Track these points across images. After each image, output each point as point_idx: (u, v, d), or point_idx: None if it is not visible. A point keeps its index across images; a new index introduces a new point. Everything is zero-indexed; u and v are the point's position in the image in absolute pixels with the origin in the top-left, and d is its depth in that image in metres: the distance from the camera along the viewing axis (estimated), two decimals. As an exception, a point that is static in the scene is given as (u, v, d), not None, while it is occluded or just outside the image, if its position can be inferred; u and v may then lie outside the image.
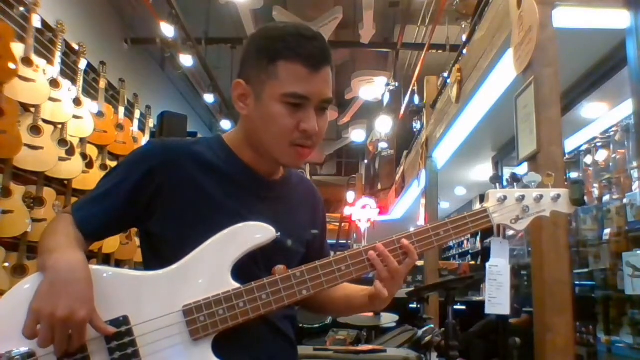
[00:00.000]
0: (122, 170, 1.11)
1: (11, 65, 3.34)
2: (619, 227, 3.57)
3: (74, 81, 4.21)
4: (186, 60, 6.67)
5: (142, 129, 5.33)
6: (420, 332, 2.82)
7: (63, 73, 4.04)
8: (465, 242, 9.62)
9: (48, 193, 3.75)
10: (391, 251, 1.08)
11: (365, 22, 7.67)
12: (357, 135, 12.23)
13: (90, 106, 4.32)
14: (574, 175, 4.31)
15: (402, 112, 9.39)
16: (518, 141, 2.75)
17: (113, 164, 4.64)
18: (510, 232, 4.43)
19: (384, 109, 9.21)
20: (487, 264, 1.25)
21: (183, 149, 1.12)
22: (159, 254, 1.09)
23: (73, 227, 1.06)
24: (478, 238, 8.58)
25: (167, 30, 5.88)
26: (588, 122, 4.45)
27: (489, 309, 1.25)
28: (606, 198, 3.80)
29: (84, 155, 4.14)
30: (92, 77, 4.76)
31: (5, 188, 3.38)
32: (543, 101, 2.49)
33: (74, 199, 4.01)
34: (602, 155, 3.98)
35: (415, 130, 7.73)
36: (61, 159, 3.82)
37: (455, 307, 3.14)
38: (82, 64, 4.35)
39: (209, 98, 7.93)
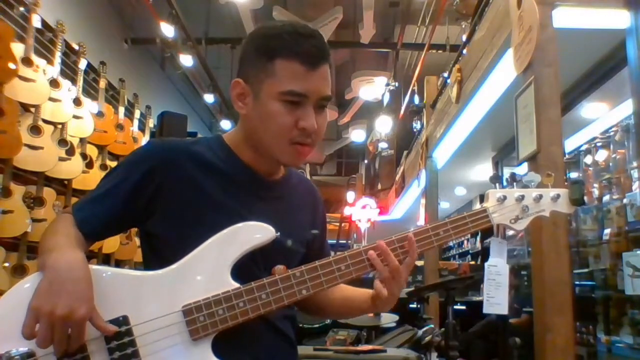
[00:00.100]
0: (122, 170, 1.11)
1: (11, 65, 3.34)
2: (619, 227, 3.57)
3: (74, 81, 4.20)
4: (186, 60, 6.67)
5: (142, 129, 5.33)
6: (420, 332, 2.82)
7: (63, 73, 4.04)
8: (465, 242, 9.62)
9: (48, 193, 3.74)
10: (391, 250, 1.08)
11: (365, 22, 7.67)
12: (357, 135, 12.22)
13: (90, 106, 4.32)
14: (574, 175, 4.31)
15: (402, 112, 9.39)
16: (518, 141, 2.75)
17: (113, 164, 4.63)
18: (510, 232, 4.43)
19: (384, 109, 9.21)
20: (486, 264, 1.25)
21: (183, 149, 1.12)
22: (159, 253, 1.09)
23: (73, 227, 1.06)
24: (478, 238, 8.58)
25: (167, 30, 5.88)
26: (588, 122, 4.45)
27: (486, 309, 1.25)
28: (606, 198, 3.80)
29: (84, 155, 4.14)
30: (92, 77, 4.76)
31: (5, 188, 3.38)
32: (543, 101, 2.49)
33: (74, 199, 4.01)
34: (602, 155, 3.98)
35: (415, 130, 7.73)
36: (61, 159, 3.82)
37: (455, 307, 3.14)
38: (82, 64, 4.35)
39: (209, 98, 7.93)
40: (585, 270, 3.99)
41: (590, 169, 4.12)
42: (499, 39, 3.49)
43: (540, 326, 2.39)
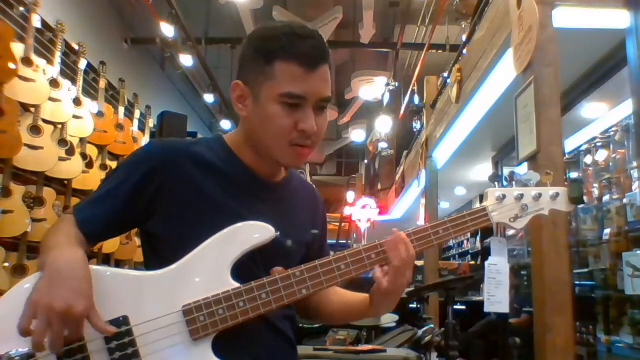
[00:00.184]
0: (122, 171, 1.11)
1: (11, 65, 3.34)
2: (619, 227, 3.57)
3: (74, 81, 4.20)
4: (186, 60, 6.67)
5: (142, 129, 5.33)
6: (420, 332, 2.82)
7: (63, 73, 4.04)
8: (465, 242, 9.63)
9: (48, 193, 3.74)
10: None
11: (365, 22, 7.67)
12: (357, 135, 12.22)
13: (90, 106, 4.32)
14: (574, 175, 4.32)
15: (402, 112, 9.39)
16: (518, 141, 2.75)
17: (113, 164, 4.64)
18: (510, 232, 4.43)
19: (384, 109, 9.21)
20: (486, 263, 1.25)
21: (183, 149, 1.12)
22: (160, 254, 1.09)
23: (75, 228, 1.07)
24: (478, 238, 8.58)
25: (167, 30, 5.88)
26: (588, 122, 4.45)
27: (488, 308, 1.25)
28: (606, 198, 3.80)
29: (84, 155, 4.14)
30: (92, 77, 4.76)
31: (5, 188, 3.38)
32: (543, 101, 2.49)
33: (74, 199, 4.01)
34: (602, 155, 3.98)
35: (415, 130, 7.73)
36: (61, 159, 3.82)
37: (455, 307, 3.14)
38: (82, 64, 4.35)
39: (209, 98, 7.93)
40: (585, 270, 3.99)
41: (590, 169, 4.13)
42: (499, 39, 3.49)
43: (540, 326, 2.39)
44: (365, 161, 15.40)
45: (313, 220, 1.25)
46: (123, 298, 1.00)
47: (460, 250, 10.15)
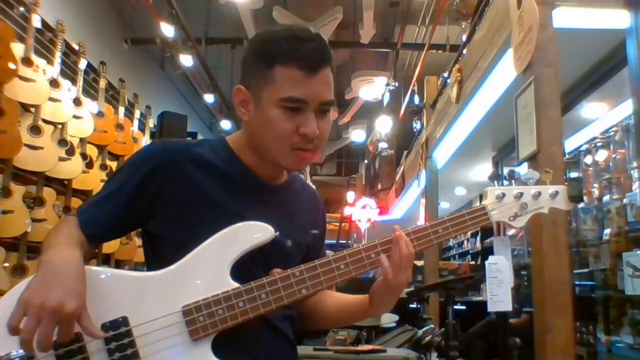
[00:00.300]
0: (124, 173, 1.11)
1: (11, 65, 3.34)
2: (619, 227, 3.58)
3: (74, 81, 4.20)
4: (186, 60, 6.67)
5: (142, 129, 5.32)
6: (420, 332, 2.81)
7: (63, 73, 4.04)
8: (465, 242, 9.63)
9: (48, 193, 3.74)
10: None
11: (365, 22, 7.66)
12: (357, 135, 12.23)
13: (90, 106, 4.32)
14: (574, 175, 4.32)
15: (402, 112, 9.39)
16: (518, 141, 2.75)
17: (113, 164, 4.64)
18: (510, 232, 4.43)
19: (384, 109, 9.21)
20: (486, 262, 1.25)
21: (184, 150, 1.12)
22: (160, 254, 1.09)
23: (76, 229, 1.07)
24: (478, 238, 8.58)
25: (167, 30, 5.88)
26: (588, 122, 4.45)
27: (491, 307, 1.24)
28: (606, 198, 3.80)
29: (84, 155, 4.14)
30: (92, 77, 4.75)
31: (5, 188, 3.38)
32: (543, 101, 2.49)
33: (74, 199, 4.01)
34: (602, 155, 3.99)
35: (415, 130, 7.73)
36: (61, 159, 3.82)
37: (455, 307, 3.14)
38: (82, 64, 4.35)
39: (209, 98, 7.93)
40: (585, 270, 3.99)
41: (590, 169, 4.13)
42: (499, 39, 3.49)
43: (540, 326, 2.39)
44: (365, 161, 15.41)
45: (313, 222, 1.26)
46: (122, 299, 1.00)
47: (460, 250, 10.15)
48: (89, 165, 4.22)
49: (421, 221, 6.44)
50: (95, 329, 0.94)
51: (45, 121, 3.69)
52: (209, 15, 7.53)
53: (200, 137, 5.23)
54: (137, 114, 5.27)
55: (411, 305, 4.15)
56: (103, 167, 4.48)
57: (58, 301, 0.89)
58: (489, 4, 3.97)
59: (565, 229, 2.43)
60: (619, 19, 2.70)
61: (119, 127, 4.76)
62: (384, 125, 9.31)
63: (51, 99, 3.73)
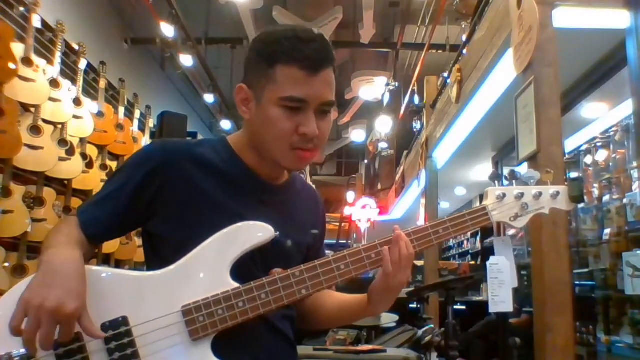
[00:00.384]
0: (124, 173, 1.11)
1: (11, 65, 3.34)
2: (619, 227, 3.58)
3: (74, 81, 4.20)
4: (186, 60, 6.67)
5: (142, 129, 5.32)
6: (420, 332, 2.81)
7: (63, 73, 4.03)
8: (465, 242, 9.62)
9: (48, 193, 3.74)
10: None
11: (365, 22, 7.66)
12: (357, 135, 12.23)
13: (90, 106, 4.32)
14: (574, 175, 4.31)
15: (402, 112, 9.39)
16: (518, 141, 2.75)
17: (113, 164, 4.63)
18: (510, 232, 4.43)
19: (384, 109, 9.21)
20: (487, 263, 1.25)
21: (184, 150, 1.12)
22: (160, 254, 1.09)
23: (77, 229, 1.07)
24: (478, 238, 8.58)
25: (167, 30, 5.88)
26: (588, 122, 4.44)
27: (492, 308, 1.24)
28: (606, 198, 3.80)
29: (84, 155, 4.14)
30: (92, 77, 4.75)
31: (5, 188, 3.38)
32: (543, 101, 2.49)
33: (74, 199, 4.01)
34: (602, 155, 3.99)
35: (415, 130, 7.73)
36: (61, 159, 3.81)
37: (455, 307, 3.14)
38: (82, 64, 4.34)
39: (209, 98, 7.93)
40: (585, 270, 3.99)
41: (590, 169, 4.13)
42: (499, 39, 3.48)
43: (540, 326, 2.39)
44: (365, 161, 15.41)
45: (314, 222, 1.26)
46: (122, 298, 1.00)
47: (460, 250, 10.14)
48: (89, 165, 4.21)
49: (421, 221, 6.45)
50: (95, 329, 0.94)
51: (45, 121, 3.69)
52: (209, 15, 7.54)
53: (200, 137, 5.23)
54: (137, 114, 5.27)
55: (411, 305, 4.15)
56: (103, 167, 4.48)
57: (58, 301, 0.89)
58: (489, 4, 3.97)
59: (565, 229, 2.43)
60: (619, 19, 2.70)
61: (119, 127, 4.76)
62: (384, 125, 9.31)
63: (51, 99, 3.73)
